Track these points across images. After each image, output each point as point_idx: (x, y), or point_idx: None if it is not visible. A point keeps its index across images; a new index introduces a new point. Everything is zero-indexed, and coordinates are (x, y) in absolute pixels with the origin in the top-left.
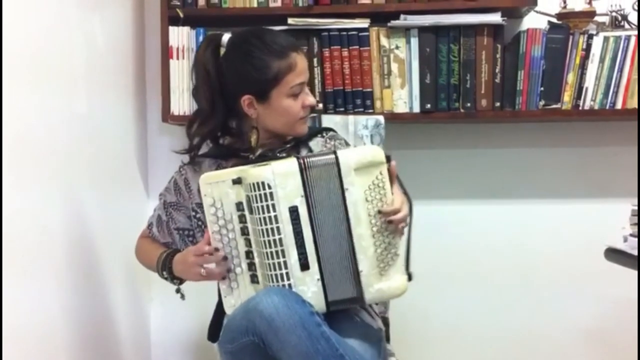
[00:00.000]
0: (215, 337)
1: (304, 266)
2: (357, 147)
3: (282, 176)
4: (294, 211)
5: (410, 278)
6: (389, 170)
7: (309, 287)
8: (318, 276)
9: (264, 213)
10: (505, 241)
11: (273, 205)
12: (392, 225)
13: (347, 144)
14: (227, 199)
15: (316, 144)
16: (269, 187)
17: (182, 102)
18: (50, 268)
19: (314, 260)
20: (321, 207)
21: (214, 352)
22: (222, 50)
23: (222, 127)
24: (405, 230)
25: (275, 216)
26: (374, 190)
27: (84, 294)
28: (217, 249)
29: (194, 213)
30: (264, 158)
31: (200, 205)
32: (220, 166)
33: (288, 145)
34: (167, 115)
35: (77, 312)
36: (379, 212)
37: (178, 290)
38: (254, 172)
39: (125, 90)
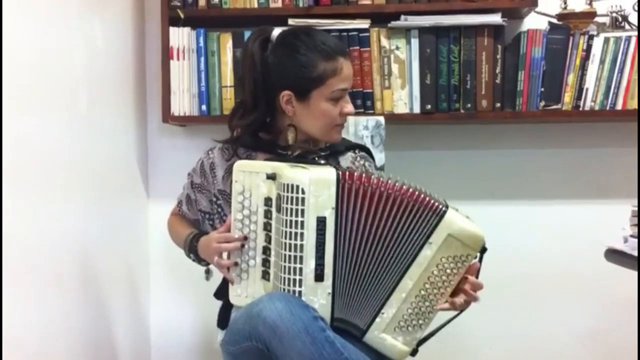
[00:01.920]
0: (223, 324)
1: (319, 277)
2: (468, 218)
3: (317, 184)
4: (321, 221)
5: (414, 353)
6: (473, 262)
7: (318, 299)
8: (330, 290)
9: (291, 216)
10: (506, 242)
11: (302, 211)
12: (446, 297)
13: (376, 168)
14: (257, 191)
15: (346, 159)
16: (302, 192)
17: (183, 103)
18: (51, 270)
19: (330, 275)
20: (363, 229)
21: (214, 355)
22: (270, 46)
23: (262, 122)
24: (444, 317)
25: (302, 222)
26: (451, 264)
27: (84, 295)
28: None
29: (215, 199)
30: (302, 160)
31: (222, 192)
32: (251, 157)
33: (323, 153)
34: (167, 115)
35: (77, 313)
36: (466, 278)
37: (207, 272)
38: (290, 173)
39: (125, 91)
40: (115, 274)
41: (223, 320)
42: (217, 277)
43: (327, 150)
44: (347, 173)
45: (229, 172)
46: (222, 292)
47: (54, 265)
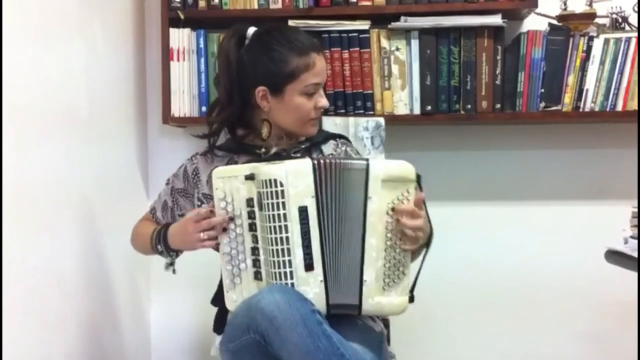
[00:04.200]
0: (219, 329)
1: (309, 267)
2: (389, 159)
3: (294, 175)
4: (303, 211)
5: (412, 300)
6: (416, 190)
7: (311, 288)
8: (321, 278)
9: (273, 210)
10: (506, 243)
11: (283, 204)
12: (405, 237)
13: (357, 153)
14: (238, 195)
15: (328, 147)
16: (281, 185)
17: (183, 104)
18: (51, 270)
19: (319, 262)
20: (335, 210)
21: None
22: (246, 43)
23: (238, 117)
24: (420, 257)
25: (285, 214)
26: (399, 203)
27: (85, 296)
28: (212, 212)
29: (199, 203)
30: (279, 157)
31: (206, 196)
32: (232, 160)
33: (302, 146)
34: (167, 116)
35: (77, 314)
36: (393, 209)
37: (171, 264)
38: (266, 169)
39: (125, 92)
40: (116, 274)
41: (219, 325)
42: (209, 263)
43: (307, 143)
44: (321, 161)
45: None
46: (218, 298)
47: (54, 266)
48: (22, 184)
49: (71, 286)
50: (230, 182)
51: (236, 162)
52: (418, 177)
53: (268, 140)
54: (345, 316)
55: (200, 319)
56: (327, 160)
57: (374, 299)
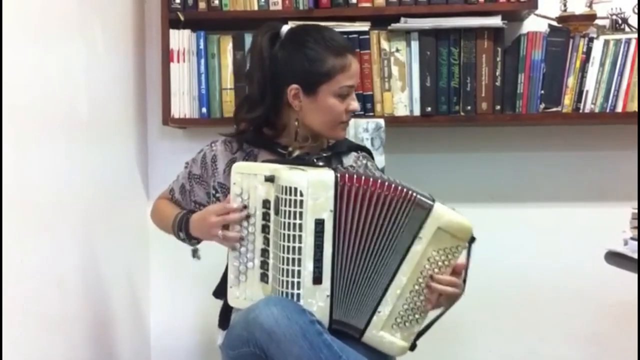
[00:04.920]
0: (224, 324)
1: (317, 280)
2: (454, 210)
3: (315, 186)
4: (319, 224)
5: (413, 348)
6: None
7: (316, 301)
8: (328, 292)
9: (289, 218)
10: (505, 244)
11: (300, 214)
12: (432, 293)
13: (377, 169)
14: (255, 193)
15: (349, 159)
16: (301, 195)
17: (183, 105)
18: (51, 267)
19: (328, 277)
20: (357, 229)
21: (213, 356)
22: (279, 41)
23: (267, 116)
24: (438, 310)
25: (300, 224)
26: (442, 256)
27: (85, 297)
28: (241, 209)
29: (213, 192)
30: (301, 161)
31: (222, 185)
32: (252, 153)
33: (324, 154)
34: (167, 118)
35: (77, 315)
36: (431, 277)
37: (195, 252)
38: (288, 176)
39: (125, 93)
40: (116, 275)
41: (224, 320)
42: (209, 263)
43: (329, 152)
44: (346, 175)
45: (229, 166)
46: (221, 290)
47: (54, 266)
48: (22, 184)
49: (71, 286)
50: (249, 180)
51: (255, 157)
52: (472, 240)
53: (296, 140)
54: None
55: (200, 319)
56: (394, 185)
57: (379, 332)
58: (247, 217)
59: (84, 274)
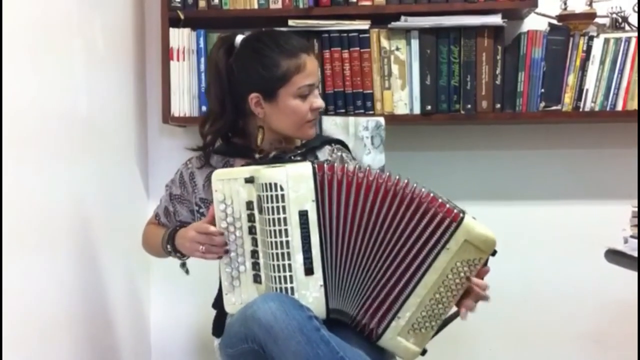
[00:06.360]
0: (218, 332)
1: (308, 270)
2: (475, 219)
3: (295, 179)
4: (303, 215)
5: (424, 353)
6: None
7: (310, 292)
8: (321, 282)
9: (273, 214)
10: (506, 243)
11: (284, 208)
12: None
13: (353, 159)
14: (238, 197)
15: (323, 153)
16: (281, 189)
17: (183, 104)
18: (51, 267)
19: (319, 267)
20: (346, 217)
21: (213, 356)
22: (235, 52)
23: (232, 127)
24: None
25: (285, 218)
26: (464, 267)
27: (84, 293)
28: (221, 234)
29: (197, 208)
30: (279, 160)
31: (204, 200)
32: (228, 163)
33: (298, 152)
34: (167, 116)
35: (77, 314)
36: (468, 278)
37: (183, 265)
38: (267, 173)
39: (125, 92)
40: (116, 274)
41: (218, 328)
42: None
43: (303, 148)
44: (325, 165)
45: (208, 179)
46: (219, 302)
47: (54, 266)
48: (22, 184)
49: (71, 287)
50: (230, 185)
51: (232, 166)
52: (494, 253)
53: (262, 146)
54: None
55: (200, 319)
56: (441, 198)
57: (396, 337)
58: (232, 222)
59: (83, 273)
